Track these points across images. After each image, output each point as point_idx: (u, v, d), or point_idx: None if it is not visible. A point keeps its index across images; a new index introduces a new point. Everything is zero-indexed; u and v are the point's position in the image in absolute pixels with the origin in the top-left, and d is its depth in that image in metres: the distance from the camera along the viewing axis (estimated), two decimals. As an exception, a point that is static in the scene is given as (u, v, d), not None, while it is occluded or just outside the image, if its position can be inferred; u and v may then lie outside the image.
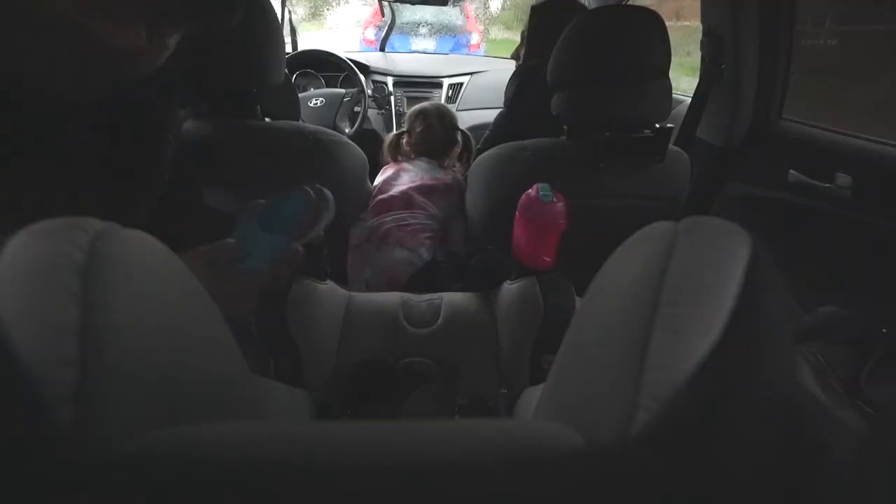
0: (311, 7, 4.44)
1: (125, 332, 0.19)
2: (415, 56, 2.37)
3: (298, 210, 0.51)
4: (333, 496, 0.16)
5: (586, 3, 1.63)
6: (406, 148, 1.21)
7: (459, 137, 1.21)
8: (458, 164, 1.23)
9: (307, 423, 0.20)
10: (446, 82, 1.95)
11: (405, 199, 1.02)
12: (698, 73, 1.15)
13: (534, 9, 1.19)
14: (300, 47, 1.94)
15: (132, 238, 0.23)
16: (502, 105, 1.23)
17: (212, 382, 0.25)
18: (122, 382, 0.18)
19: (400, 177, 1.09)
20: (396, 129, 1.42)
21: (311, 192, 0.52)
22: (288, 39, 1.96)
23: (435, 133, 1.17)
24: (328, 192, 0.53)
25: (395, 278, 0.92)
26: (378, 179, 1.13)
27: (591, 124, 0.83)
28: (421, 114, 1.19)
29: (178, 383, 0.21)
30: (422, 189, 1.04)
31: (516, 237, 0.67)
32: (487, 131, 1.23)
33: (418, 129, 1.18)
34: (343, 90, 1.70)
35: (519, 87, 1.14)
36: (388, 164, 1.21)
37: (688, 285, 0.21)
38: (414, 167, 1.12)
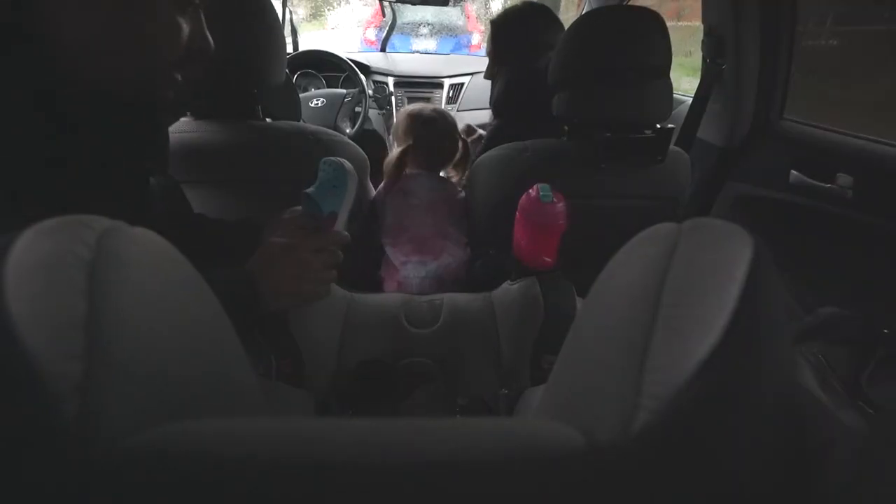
0: (311, 7, 4.46)
1: (131, 329, 0.20)
2: (415, 56, 2.37)
3: (340, 177, 0.56)
4: (335, 493, 0.17)
5: (587, 4, 1.63)
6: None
7: (459, 145, 1.12)
8: (454, 172, 1.16)
9: (310, 420, 0.20)
10: (447, 82, 1.96)
11: (421, 236, 0.98)
12: (699, 73, 1.15)
13: (493, 23, 1.14)
14: (301, 47, 1.94)
15: (139, 236, 0.23)
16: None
17: (216, 380, 0.25)
18: (128, 378, 0.19)
19: (406, 197, 1.03)
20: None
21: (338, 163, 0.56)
22: (289, 40, 1.96)
23: (422, 148, 1.06)
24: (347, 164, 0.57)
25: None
26: (379, 196, 1.06)
27: (592, 124, 0.83)
28: (410, 123, 1.08)
29: (182, 380, 0.22)
30: (431, 208, 1.01)
31: (517, 237, 0.67)
32: (484, 136, 1.19)
33: (407, 145, 1.07)
34: (344, 90, 1.70)
35: (506, 86, 1.09)
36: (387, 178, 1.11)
37: (689, 286, 0.21)
38: (415, 184, 1.04)
